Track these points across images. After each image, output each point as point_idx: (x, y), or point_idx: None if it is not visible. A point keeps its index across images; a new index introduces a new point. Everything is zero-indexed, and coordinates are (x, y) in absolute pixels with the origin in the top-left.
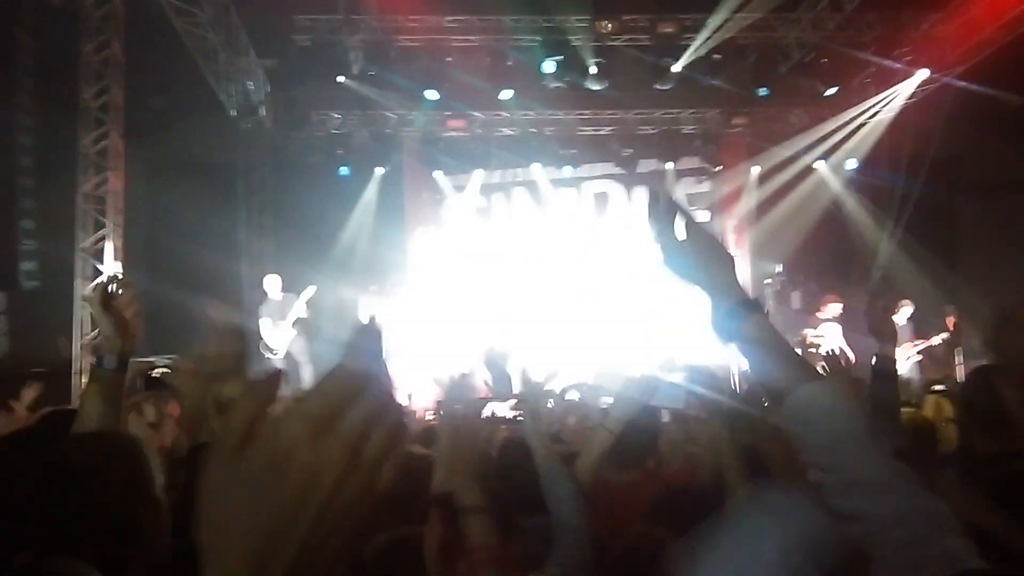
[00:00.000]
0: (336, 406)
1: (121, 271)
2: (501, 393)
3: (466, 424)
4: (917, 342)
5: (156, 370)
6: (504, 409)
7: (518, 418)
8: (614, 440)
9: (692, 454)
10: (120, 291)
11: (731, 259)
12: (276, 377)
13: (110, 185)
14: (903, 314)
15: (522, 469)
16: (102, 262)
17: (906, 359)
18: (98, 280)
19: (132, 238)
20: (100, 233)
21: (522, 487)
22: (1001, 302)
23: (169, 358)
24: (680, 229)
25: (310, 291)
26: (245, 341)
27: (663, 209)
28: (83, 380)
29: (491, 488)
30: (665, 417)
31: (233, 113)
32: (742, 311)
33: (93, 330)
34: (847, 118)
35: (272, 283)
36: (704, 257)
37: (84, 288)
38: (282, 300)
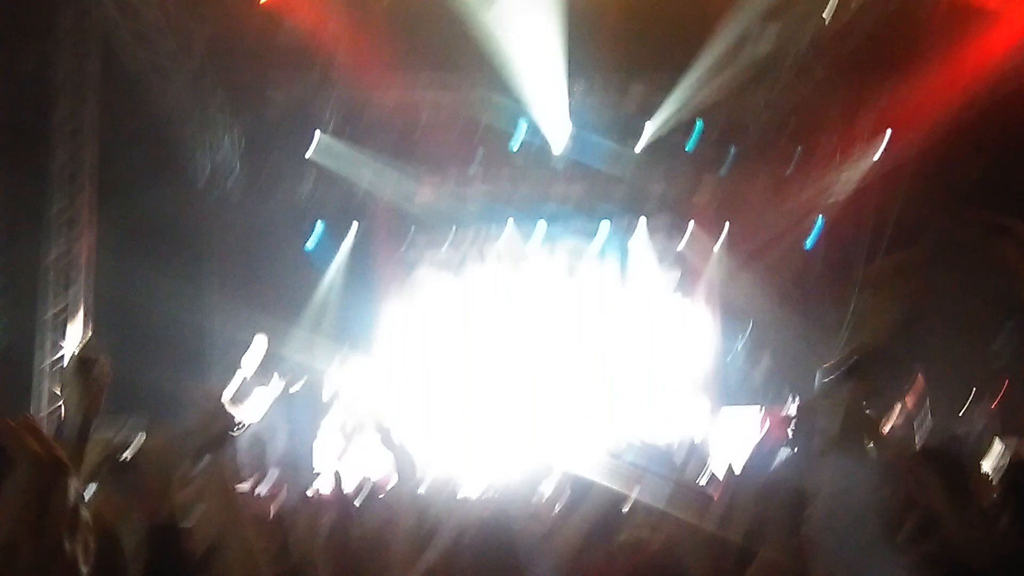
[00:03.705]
0: None
1: (87, 339)
2: (405, 473)
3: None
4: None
5: (124, 454)
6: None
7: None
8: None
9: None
10: (97, 360)
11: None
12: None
13: (76, 252)
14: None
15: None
16: (64, 331)
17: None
18: (79, 345)
19: (98, 305)
20: (63, 302)
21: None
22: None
23: (136, 419)
24: None
25: (296, 385)
26: (224, 421)
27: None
28: None
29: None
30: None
31: (203, 180)
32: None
33: (52, 403)
34: (815, 179)
35: (252, 354)
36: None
37: (45, 359)
38: (255, 374)
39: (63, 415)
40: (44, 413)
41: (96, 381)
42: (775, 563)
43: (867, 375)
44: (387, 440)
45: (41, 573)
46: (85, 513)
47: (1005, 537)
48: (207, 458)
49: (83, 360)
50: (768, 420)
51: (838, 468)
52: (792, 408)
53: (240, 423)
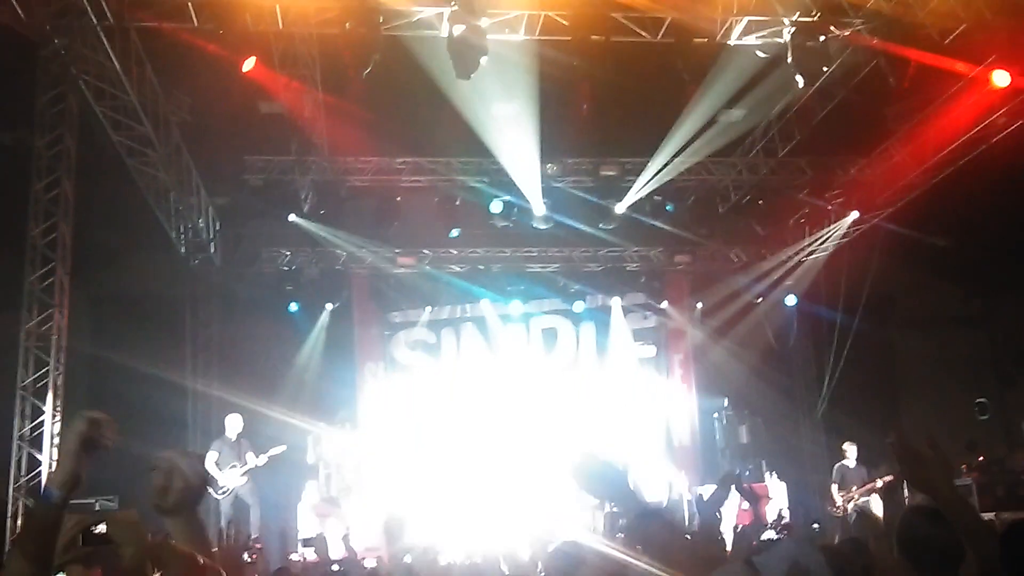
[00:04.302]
0: None
1: (60, 410)
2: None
3: None
4: (866, 486)
5: (97, 526)
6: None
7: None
8: None
9: None
10: (106, 427)
11: (623, 475)
12: None
13: (55, 322)
14: (851, 455)
15: None
16: (44, 401)
17: (859, 501)
18: (86, 415)
19: (75, 375)
20: (43, 371)
21: None
22: (901, 436)
23: (107, 499)
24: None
25: (278, 450)
26: (197, 479)
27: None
28: (17, 524)
29: None
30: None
31: (182, 250)
32: (650, 517)
33: (31, 470)
34: (784, 256)
35: (233, 423)
36: (603, 480)
37: (24, 426)
38: (236, 442)
39: (50, 475)
40: (23, 480)
41: (100, 445)
42: None
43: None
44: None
45: None
46: None
47: None
48: (170, 522)
49: (93, 423)
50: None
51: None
52: (772, 484)
53: (223, 488)
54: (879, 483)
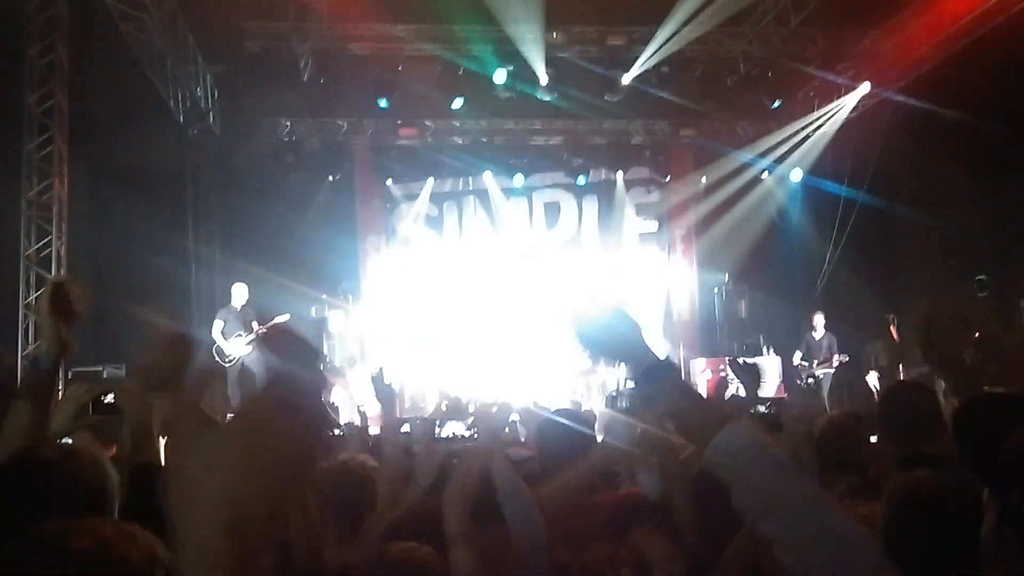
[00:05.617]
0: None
1: (64, 275)
2: (388, 413)
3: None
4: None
5: (106, 396)
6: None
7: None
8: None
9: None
10: (73, 289)
11: (637, 327)
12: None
13: (55, 192)
14: (818, 326)
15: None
16: (49, 270)
17: (817, 373)
18: (51, 281)
19: (77, 245)
20: (45, 240)
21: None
22: (930, 305)
23: (115, 367)
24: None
25: (283, 318)
26: (186, 351)
27: (579, 313)
28: None
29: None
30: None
31: (180, 119)
32: (653, 374)
33: (39, 339)
34: (792, 131)
35: (239, 291)
36: (611, 332)
37: (30, 294)
38: (241, 311)
39: (37, 344)
40: (31, 348)
41: (71, 309)
42: None
43: None
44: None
45: None
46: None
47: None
48: (162, 394)
49: (57, 288)
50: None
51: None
52: (768, 359)
53: (230, 356)
54: (835, 361)
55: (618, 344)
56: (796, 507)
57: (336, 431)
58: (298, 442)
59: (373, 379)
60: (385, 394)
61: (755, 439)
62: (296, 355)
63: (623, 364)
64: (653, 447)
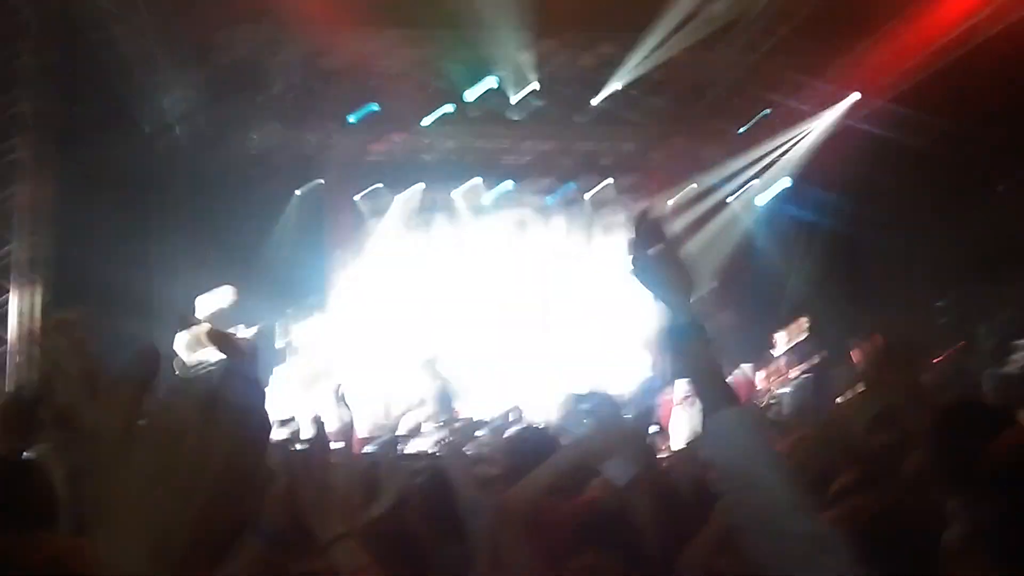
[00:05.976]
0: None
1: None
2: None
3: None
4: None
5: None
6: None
7: (438, 451)
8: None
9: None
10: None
11: (691, 283)
12: (149, 360)
13: (17, 199)
14: (779, 343)
15: (442, 500)
16: (8, 277)
17: (775, 391)
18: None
19: (40, 253)
20: (5, 248)
21: (442, 518)
22: (886, 332)
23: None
24: (654, 245)
25: (248, 332)
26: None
27: (644, 227)
28: None
29: (410, 519)
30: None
31: (149, 129)
32: (689, 331)
33: None
34: (758, 154)
35: (204, 304)
36: (668, 275)
37: None
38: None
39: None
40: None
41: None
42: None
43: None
44: (337, 397)
45: None
46: None
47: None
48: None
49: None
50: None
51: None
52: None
53: (200, 364)
54: (791, 375)
55: (669, 289)
56: (774, 500)
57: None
58: (236, 458)
59: (334, 397)
60: (344, 413)
61: (753, 425)
62: (241, 358)
63: (664, 308)
64: (631, 442)
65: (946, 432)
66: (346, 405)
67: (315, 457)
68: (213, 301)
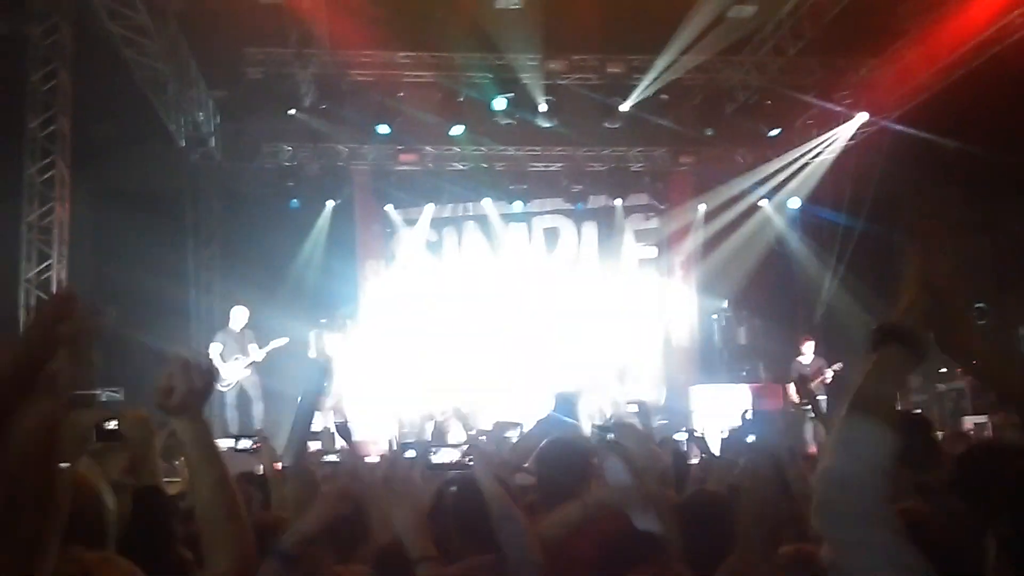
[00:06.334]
0: None
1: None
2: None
3: (407, 474)
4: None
5: (108, 423)
6: (453, 453)
7: (468, 461)
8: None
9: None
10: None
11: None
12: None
13: (56, 215)
14: (807, 351)
15: (474, 509)
16: (47, 293)
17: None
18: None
19: (78, 269)
20: (45, 264)
21: (474, 527)
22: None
23: (113, 391)
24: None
25: (280, 342)
26: (202, 381)
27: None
28: None
29: (443, 529)
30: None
31: (182, 144)
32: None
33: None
34: (790, 158)
35: (238, 315)
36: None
37: (27, 317)
38: (240, 333)
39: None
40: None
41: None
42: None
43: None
44: (341, 427)
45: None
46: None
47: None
48: (182, 419)
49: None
50: (760, 391)
51: (855, 429)
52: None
53: (226, 380)
54: (828, 373)
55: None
56: (866, 518)
57: None
58: None
59: (338, 428)
60: (347, 437)
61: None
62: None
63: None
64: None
65: (972, 466)
66: (346, 435)
67: (398, 478)
68: (236, 319)
